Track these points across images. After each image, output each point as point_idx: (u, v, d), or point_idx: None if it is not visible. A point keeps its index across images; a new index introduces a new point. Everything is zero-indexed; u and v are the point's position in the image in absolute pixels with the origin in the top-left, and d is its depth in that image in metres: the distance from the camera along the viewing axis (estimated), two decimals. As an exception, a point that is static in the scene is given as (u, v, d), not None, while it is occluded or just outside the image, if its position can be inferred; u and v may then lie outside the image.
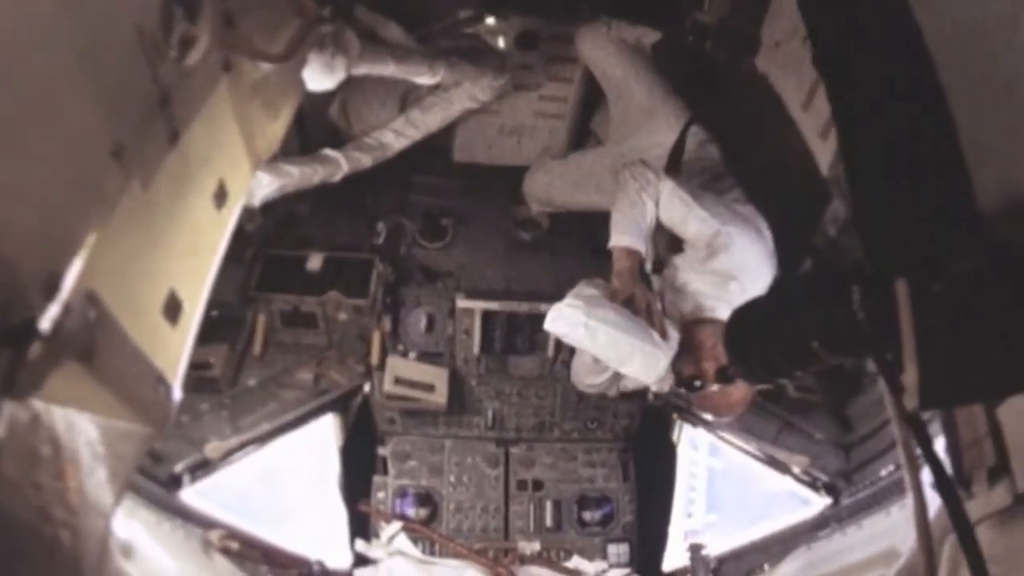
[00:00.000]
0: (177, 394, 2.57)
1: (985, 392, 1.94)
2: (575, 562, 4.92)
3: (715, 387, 4.07)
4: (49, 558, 2.24)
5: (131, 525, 3.25)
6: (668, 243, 4.63)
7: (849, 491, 4.50)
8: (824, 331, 2.05)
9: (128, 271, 2.29)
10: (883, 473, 4.19)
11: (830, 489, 4.62)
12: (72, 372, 2.07)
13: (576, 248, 5.84)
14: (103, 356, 2.12)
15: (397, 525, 4.84)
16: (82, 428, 2.35)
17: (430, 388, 5.33)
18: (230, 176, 3.19)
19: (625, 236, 4.42)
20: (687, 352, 4.21)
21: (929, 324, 1.74)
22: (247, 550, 4.69)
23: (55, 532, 2.26)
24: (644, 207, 4.41)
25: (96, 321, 2.06)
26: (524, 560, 4.65)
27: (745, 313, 2.45)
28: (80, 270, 2.00)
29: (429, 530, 5.25)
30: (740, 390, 4.10)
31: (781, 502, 4.92)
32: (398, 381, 5.28)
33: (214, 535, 4.39)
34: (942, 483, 1.87)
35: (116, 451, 2.49)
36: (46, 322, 1.89)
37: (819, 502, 4.64)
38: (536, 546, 4.96)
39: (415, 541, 5.00)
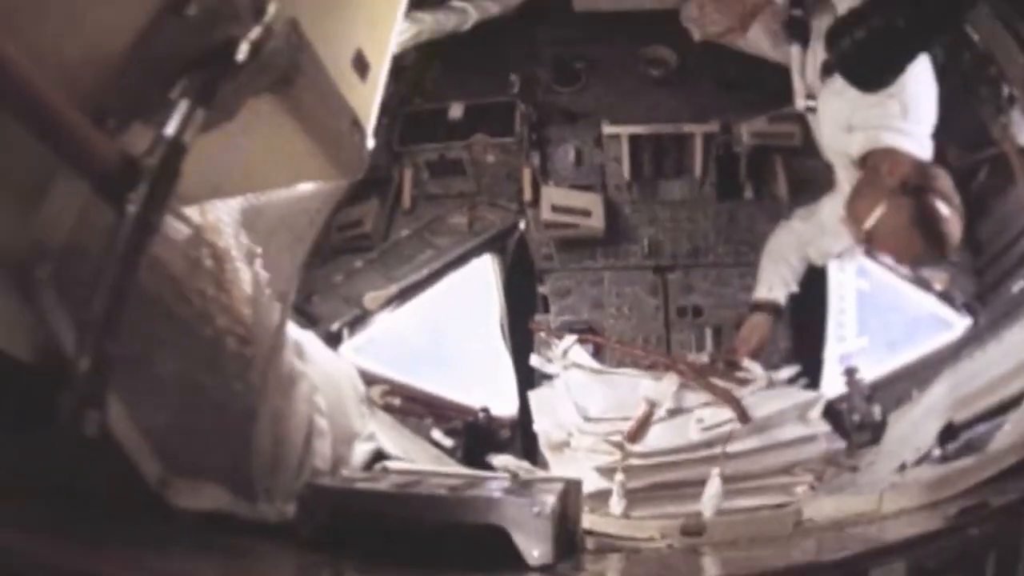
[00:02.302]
0: (370, 142, 2.60)
1: None
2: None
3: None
4: (213, 355, 2.32)
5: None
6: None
7: (986, 311, 4.47)
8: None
9: (323, 18, 2.31)
10: (1015, 290, 4.23)
11: (969, 309, 4.58)
12: (270, 102, 2.12)
13: (705, 82, 5.74)
14: (302, 85, 2.16)
15: (571, 338, 4.84)
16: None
17: (587, 213, 5.31)
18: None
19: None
20: (862, 196, 4.12)
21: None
22: (410, 404, 4.77)
23: (219, 334, 2.34)
24: None
25: (297, 46, 2.09)
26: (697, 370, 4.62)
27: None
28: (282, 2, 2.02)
29: (604, 338, 5.29)
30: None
31: (925, 326, 4.89)
32: (555, 208, 5.26)
33: (375, 392, 4.45)
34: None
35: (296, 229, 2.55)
36: (249, 41, 1.92)
37: (960, 323, 4.62)
38: (704, 359, 4.93)
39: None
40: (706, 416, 4.15)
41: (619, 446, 4.05)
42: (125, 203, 1.72)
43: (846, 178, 4.42)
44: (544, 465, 4.43)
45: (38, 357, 1.77)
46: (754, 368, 4.54)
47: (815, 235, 4.78)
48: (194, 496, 2.14)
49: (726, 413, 4.10)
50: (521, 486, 2.51)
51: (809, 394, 4.39)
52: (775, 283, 4.89)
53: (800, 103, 4.62)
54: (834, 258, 4.83)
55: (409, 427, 4.58)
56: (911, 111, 4.02)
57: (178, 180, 1.81)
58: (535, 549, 2.23)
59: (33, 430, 1.65)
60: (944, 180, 3.95)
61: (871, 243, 4.21)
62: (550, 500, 2.27)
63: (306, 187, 2.56)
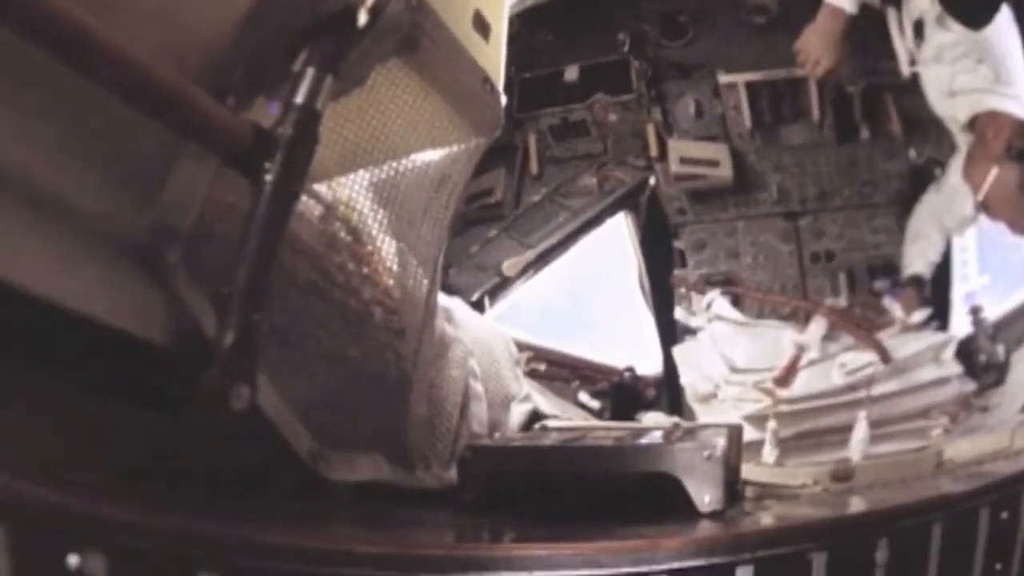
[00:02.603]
0: (503, 98, 2.58)
1: None
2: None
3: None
4: (360, 327, 2.32)
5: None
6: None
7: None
8: None
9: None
10: None
11: None
12: (399, 66, 2.11)
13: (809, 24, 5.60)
14: (427, 47, 2.15)
15: (715, 291, 4.81)
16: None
17: (715, 164, 5.25)
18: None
19: None
20: (975, 162, 4.06)
21: None
22: (555, 369, 4.77)
23: (364, 306, 2.34)
24: None
25: (417, 8, 2.07)
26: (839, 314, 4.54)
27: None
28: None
29: (745, 288, 5.24)
30: None
31: None
32: (683, 161, 5.22)
33: (520, 359, 4.46)
34: None
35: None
36: (366, 7, 1.91)
37: None
38: (842, 302, 4.85)
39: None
40: (848, 360, 4.11)
41: (768, 392, 4.02)
42: (262, 173, 1.71)
43: (963, 141, 4.30)
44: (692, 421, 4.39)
45: (174, 341, 1.78)
46: (893, 309, 4.46)
47: (949, 202, 4.61)
48: (350, 468, 2.15)
49: (867, 357, 4.06)
50: (685, 433, 2.47)
51: (942, 335, 4.32)
52: (915, 261, 4.75)
53: (905, 69, 4.46)
54: (971, 224, 4.64)
55: (555, 392, 4.58)
56: (1002, 74, 3.92)
57: (315, 147, 1.81)
58: (706, 495, 2.17)
59: (176, 414, 1.65)
60: None
61: (988, 211, 4.16)
62: (720, 443, 2.22)
63: (444, 151, 2.55)
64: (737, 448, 2.53)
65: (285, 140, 1.74)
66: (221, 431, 1.68)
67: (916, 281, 4.71)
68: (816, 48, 4.49)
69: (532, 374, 4.47)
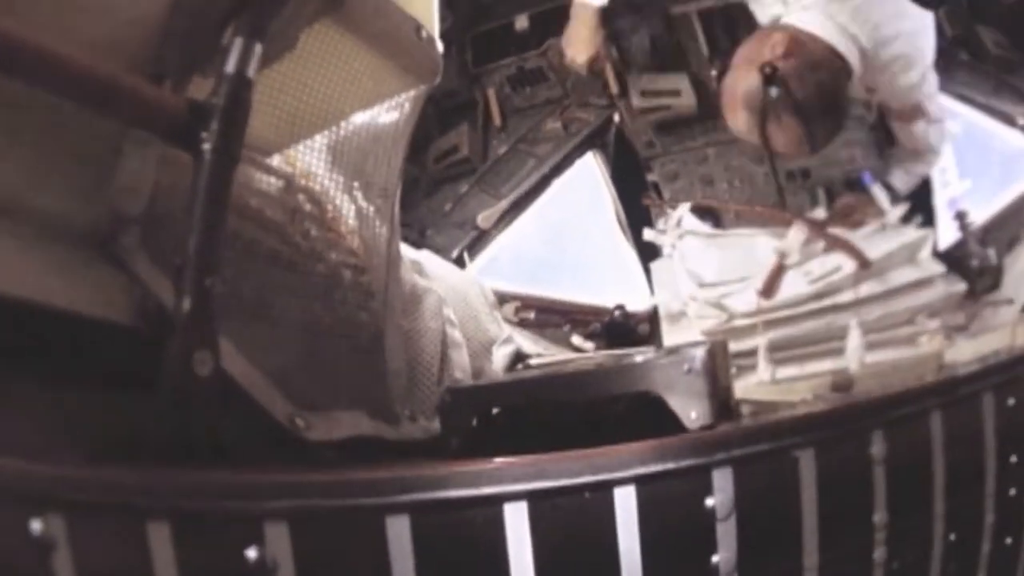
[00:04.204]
0: (440, 45, 2.59)
1: None
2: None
3: None
4: (329, 290, 2.36)
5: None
6: None
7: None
8: None
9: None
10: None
11: None
12: (328, 26, 2.12)
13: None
14: (354, 4, 2.16)
15: (684, 206, 4.82)
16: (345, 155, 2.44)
17: (676, 93, 5.23)
18: None
19: None
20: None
21: None
22: (545, 316, 4.78)
23: (332, 269, 2.36)
24: None
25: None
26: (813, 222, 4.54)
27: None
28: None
29: (715, 200, 5.25)
30: None
31: (1017, 164, 4.79)
32: (644, 94, 5.21)
33: (508, 310, 4.47)
34: None
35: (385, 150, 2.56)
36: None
37: None
38: (821, 213, 4.84)
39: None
40: (814, 268, 4.14)
41: (721, 307, 4.12)
42: (200, 144, 1.75)
43: None
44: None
45: (140, 321, 1.82)
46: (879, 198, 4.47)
47: None
48: (331, 427, 2.16)
49: (833, 262, 4.09)
50: (668, 353, 2.48)
51: (915, 232, 4.29)
52: None
53: None
54: None
55: (548, 339, 4.59)
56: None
57: (248, 113, 1.83)
58: (692, 410, 2.15)
59: (149, 392, 1.67)
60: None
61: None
62: (699, 354, 2.21)
63: (388, 103, 2.56)
64: (724, 364, 2.52)
65: (219, 110, 1.77)
66: (190, 402, 1.70)
67: None
68: (572, 43, 4.67)
69: (523, 323, 4.50)
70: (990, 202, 4.85)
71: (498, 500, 1.73)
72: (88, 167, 1.81)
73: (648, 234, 4.82)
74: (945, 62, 4.74)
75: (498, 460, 1.79)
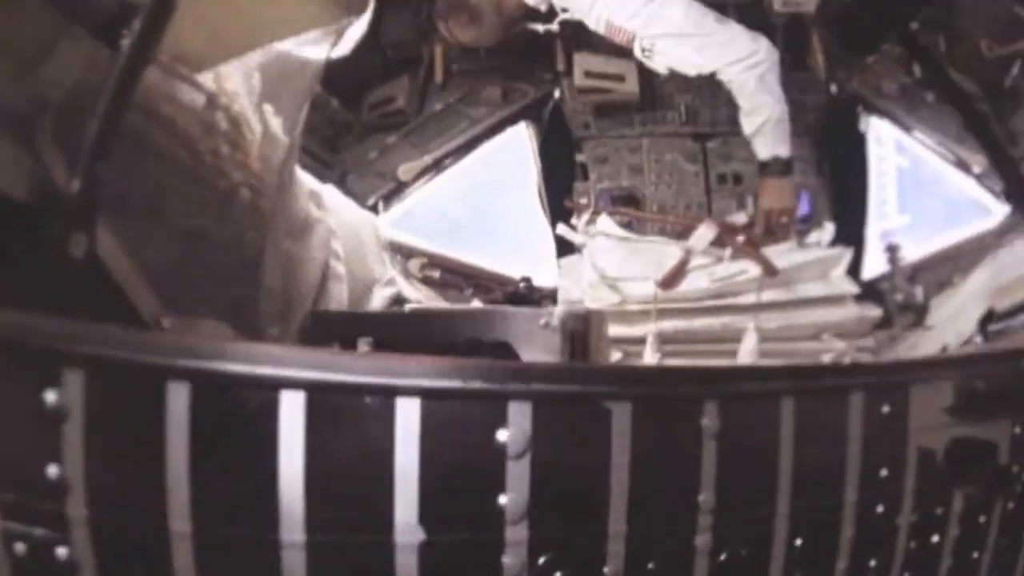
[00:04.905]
0: None
1: None
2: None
3: None
4: (225, 205, 2.38)
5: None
6: None
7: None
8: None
9: None
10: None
11: (1008, 197, 4.49)
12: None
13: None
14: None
15: (604, 216, 4.85)
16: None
17: (620, 78, 5.22)
18: None
19: None
20: None
21: None
22: (449, 276, 4.78)
23: (232, 187, 2.40)
24: None
25: None
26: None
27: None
28: None
29: (630, 209, 5.26)
30: None
31: (964, 211, 4.87)
32: (588, 74, 5.20)
33: (414, 265, 4.47)
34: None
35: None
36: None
37: (999, 210, 4.57)
38: (742, 218, 4.87)
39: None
40: (719, 270, 4.21)
41: (616, 290, 4.23)
42: (121, 40, 1.86)
43: None
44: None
45: (35, 197, 1.86)
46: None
47: None
48: (189, 332, 2.18)
49: (740, 266, 4.15)
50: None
51: (832, 250, 4.36)
52: None
53: None
54: None
55: (449, 300, 4.59)
56: None
57: (170, 15, 1.92)
58: None
59: (29, 262, 1.70)
60: None
61: None
62: (558, 311, 2.21)
63: (315, 33, 2.60)
64: (600, 334, 2.51)
65: (144, 10, 1.87)
66: (61, 280, 1.74)
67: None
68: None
69: (426, 280, 4.49)
70: (928, 241, 4.94)
71: (276, 384, 1.71)
72: (21, 56, 1.91)
73: (561, 229, 4.83)
74: (911, 102, 4.83)
75: (280, 346, 1.79)
